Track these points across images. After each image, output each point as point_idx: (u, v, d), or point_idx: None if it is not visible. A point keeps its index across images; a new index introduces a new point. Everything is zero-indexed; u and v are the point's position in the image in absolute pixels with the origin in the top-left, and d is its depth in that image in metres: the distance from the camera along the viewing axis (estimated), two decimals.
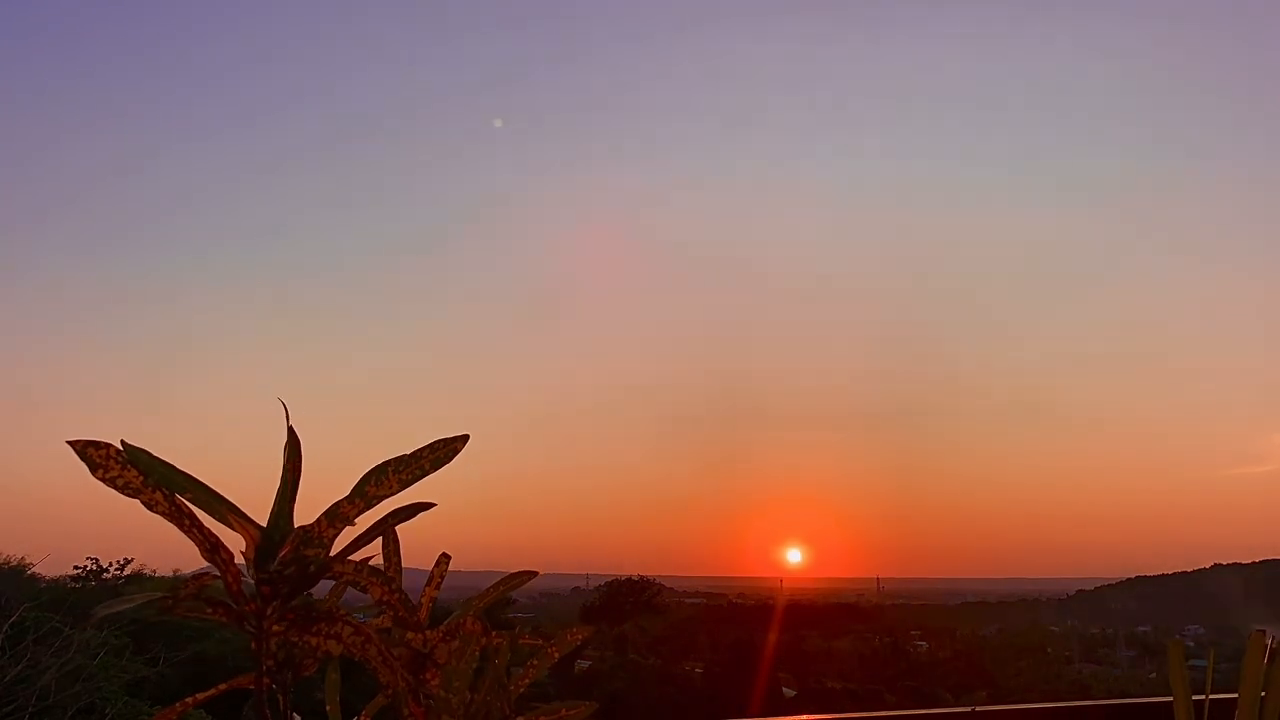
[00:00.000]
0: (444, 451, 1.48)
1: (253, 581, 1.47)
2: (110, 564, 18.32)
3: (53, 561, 19.20)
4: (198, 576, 1.44)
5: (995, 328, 73.98)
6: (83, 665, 10.95)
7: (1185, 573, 62.90)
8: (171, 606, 1.47)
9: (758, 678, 30.52)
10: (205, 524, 1.45)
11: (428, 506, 1.47)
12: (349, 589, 1.67)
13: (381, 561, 1.90)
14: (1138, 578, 66.73)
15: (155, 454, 1.42)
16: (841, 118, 62.98)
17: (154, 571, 19.29)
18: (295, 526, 1.46)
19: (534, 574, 1.94)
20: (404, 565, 1.92)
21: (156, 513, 1.40)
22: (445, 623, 1.80)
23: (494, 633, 1.78)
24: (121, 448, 1.39)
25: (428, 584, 1.93)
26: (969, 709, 3.40)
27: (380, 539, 1.90)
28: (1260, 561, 59.86)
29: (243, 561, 1.49)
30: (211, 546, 1.44)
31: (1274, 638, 2.28)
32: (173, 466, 1.43)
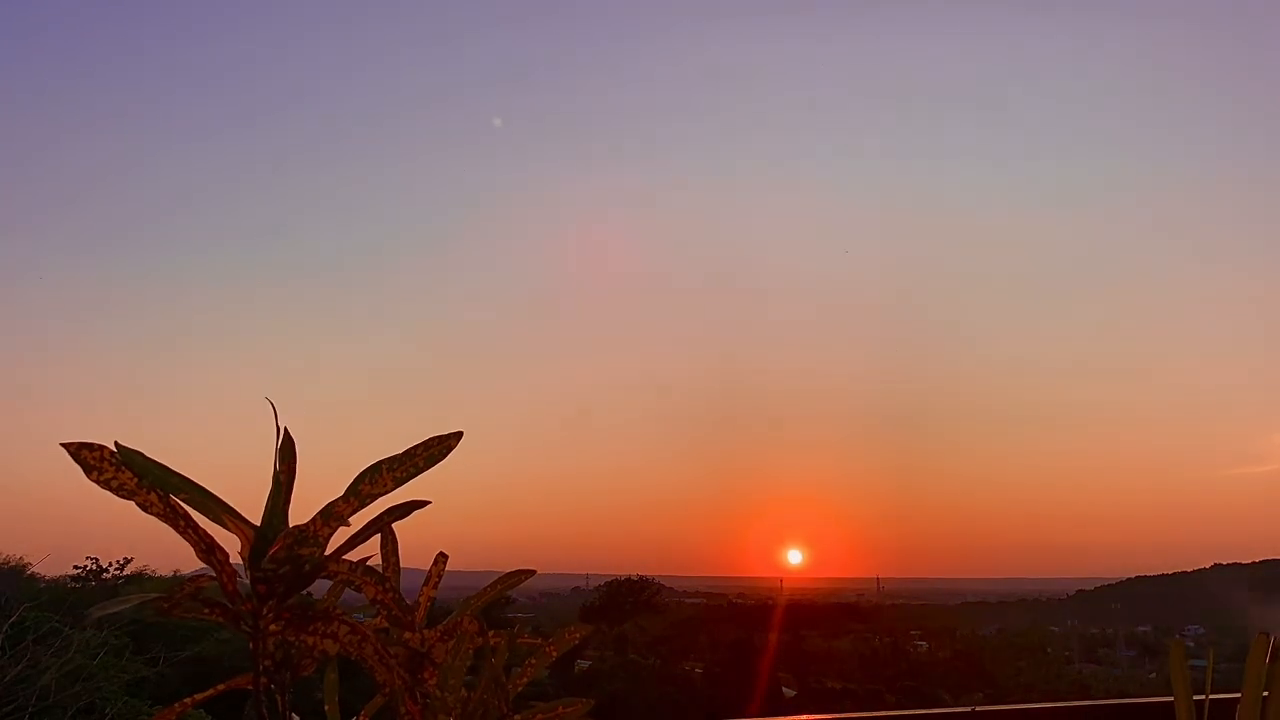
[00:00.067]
0: (438, 449, 1.48)
1: (249, 581, 1.47)
2: (110, 564, 18.37)
3: (53, 561, 19.23)
4: (195, 577, 1.44)
5: (996, 328, 74.08)
6: (83, 665, 10.97)
7: (1185, 573, 62.97)
8: (168, 607, 1.47)
9: (758, 678, 30.55)
10: (200, 525, 1.45)
11: (423, 504, 1.47)
12: (349, 589, 1.67)
13: (380, 561, 1.90)
14: (1138, 578, 66.80)
15: (149, 455, 1.42)
16: (842, 118, 63.01)
17: (154, 572, 19.32)
18: (290, 526, 1.46)
19: (531, 573, 1.94)
20: (405, 565, 1.92)
21: (151, 514, 1.40)
22: (443, 622, 1.80)
23: (491, 632, 1.78)
24: (115, 449, 1.39)
25: (425, 583, 1.93)
26: (969, 709, 3.40)
27: (378, 538, 1.90)
28: (1260, 561, 59.94)
29: (239, 562, 1.49)
30: (207, 547, 1.44)
31: (1275, 638, 2.28)
32: (167, 468, 1.43)
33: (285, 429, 1.47)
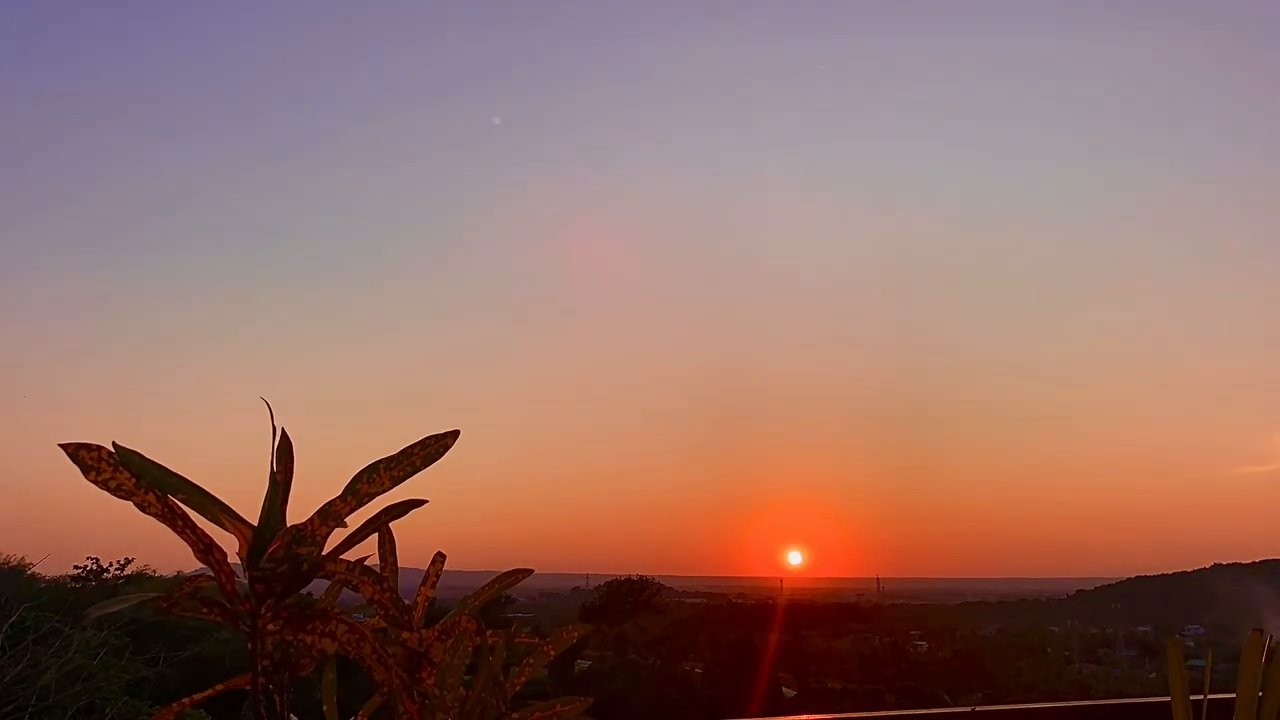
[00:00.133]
0: (435, 448, 1.48)
1: (247, 581, 1.47)
2: (110, 564, 18.36)
3: (53, 561, 19.23)
4: (193, 577, 1.44)
5: (996, 328, 74.08)
6: (83, 665, 10.97)
7: (1185, 573, 62.95)
8: (167, 607, 1.47)
9: (758, 678, 30.53)
10: (198, 525, 1.45)
11: (420, 503, 1.47)
12: (347, 589, 1.67)
13: (377, 561, 1.90)
14: (1138, 578, 66.78)
15: (147, 455, 1.42)
16: (843, 118, 63.01)
17: (155, 572, 19.30)
18: (288, 525, 1.46)
19: (529, 572, 1.94)
20: (406, 565, 1.92)
21: (149, 514, 1.41)
22: (441, 621, 1.80)
23: (489, 631, 1.78)
24: (113, 450, 1.39)
25: (423, 583, 1.94)
26: (969, 709, 3.41)
27: (376, 538, 1.90)
28: (1260, 561, 59.91)
29: (237, 561, 1.49)
30: (205, 547, 1.44)
31: (1271, 637, 2.28)
32: (165, 468, 1.43)
33: (282, 429, 1.47)
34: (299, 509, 1.52)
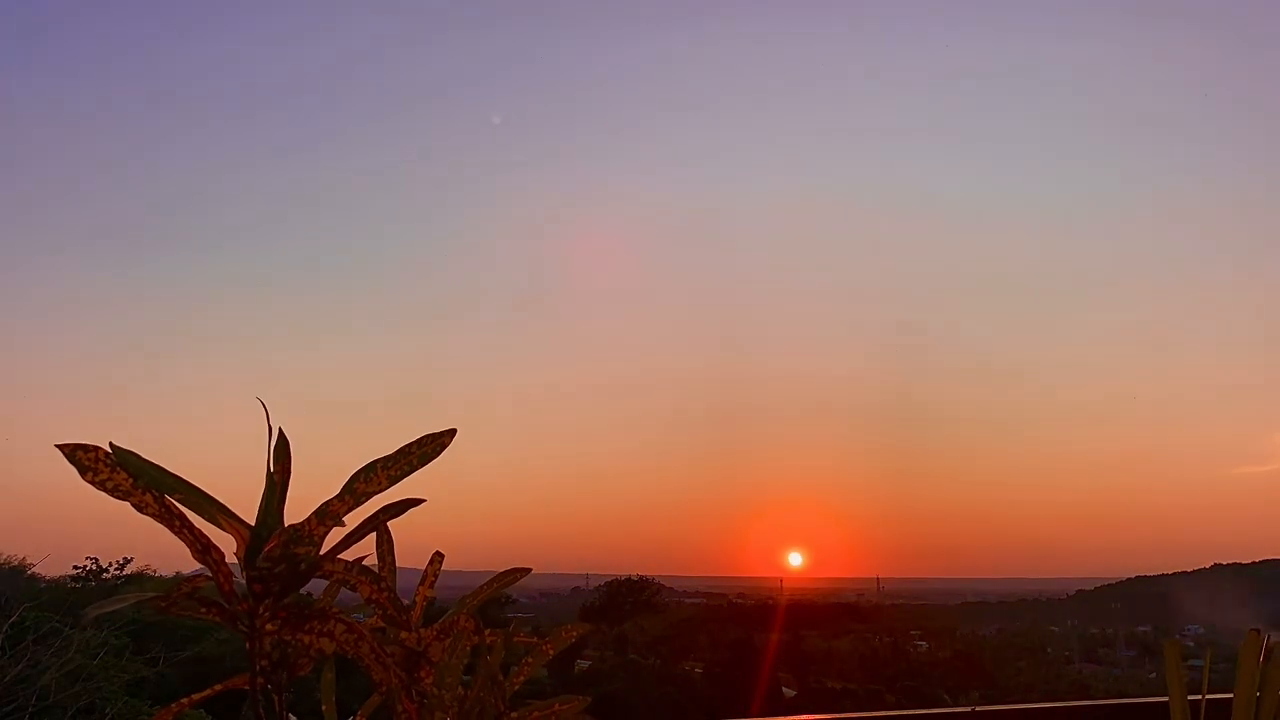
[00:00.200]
0: (432, 446, 1.48)
1: (244, 581, 1.47)
2: (110, 564, 18.37)
3: (53, 561, 19.25)
4: (191, 577, 1.44)
5: (995, 327, 74.07)
6: (83, 665, 10.98)
7: (1185, 573, 62.95)
8: (165, 607, 1.47)
9: (758, 678, 30.55)
10: (196, 525, 1.45)
11: (418, 503, 1.48)
12: (344, 590, 1.67)
13: (375, 560, 1.91)
14: (1138, 578, 66.75)
15: (144, 456, 1.42)
16: (843, 117, 63.01)
17: (155, 572, 19.32)
18: (285, 525, 1.47)
19: (527, 571, 1.94)
20: (403, 565, 1.92)
21: (146, 514, 1.41)
22: (439, 621, 1.80)
23: (488, 630, 1.79)
24: (110, 450, 1.39)
25: (421, 582, 1.94)
26: (969, 709, 3.41)
27: (374, 537, 1.90)
28: (1260, 561, 59.98)
29: (234, 561, 1.49)
30: (203, 547, 1.44)
31: (1269, 637, 2.28)
32: (162, 468, 1.44)
33: (280, 428, 1.47)
34: (296, 509, 1.52)
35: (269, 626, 1.48)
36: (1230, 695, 2.29)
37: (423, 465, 1.48)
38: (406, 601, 1.87)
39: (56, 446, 1.36)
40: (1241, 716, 2.22)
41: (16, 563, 17.69)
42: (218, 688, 1.71)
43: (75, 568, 18.15)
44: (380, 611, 1.52)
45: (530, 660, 1.94)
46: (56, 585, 17.62)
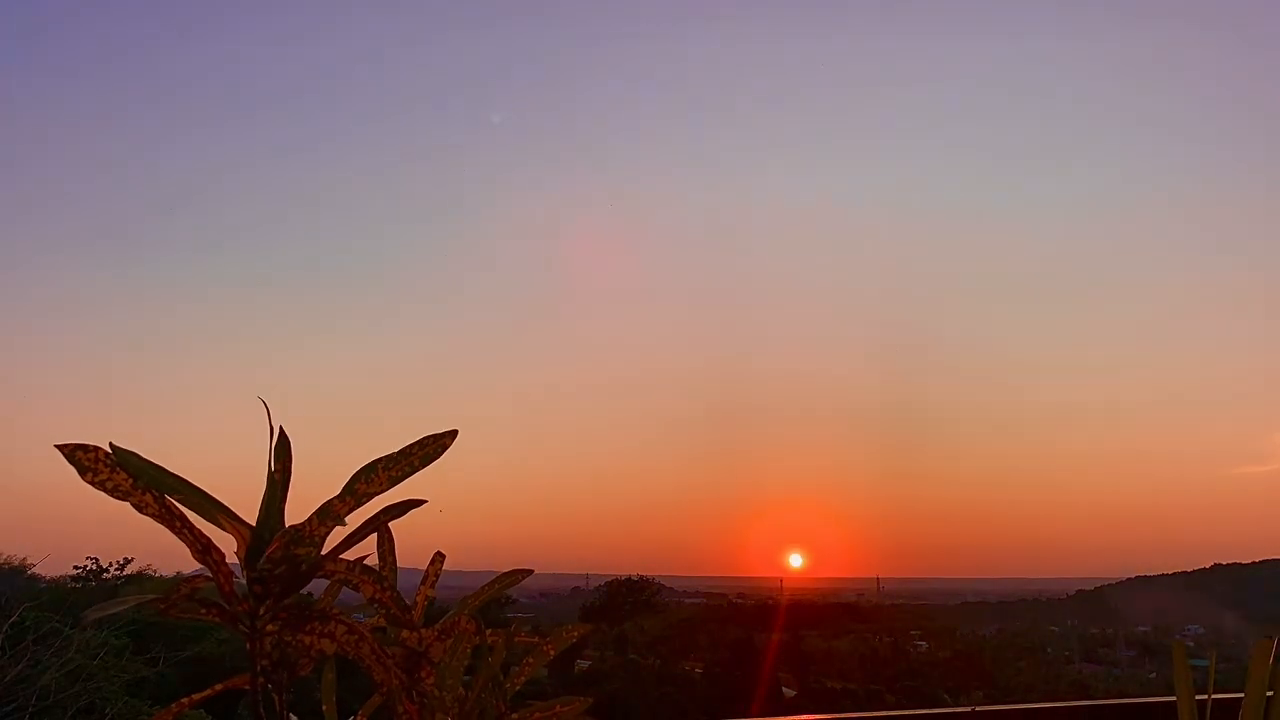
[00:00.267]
0: (433, 447, 1.48)
1: (245, 581, 1.46)
2: (110, 564, 18.34)
3: (53, 561, 19.23)
4: (192, 578, 1.43)
5: (995, 328, 74.07)
6: (83, 665, 10.97)
7: (1185, 573, 62.99)
8: (165, 608, 1.46)
9: (758, 678, 30.55)
10: (196, 525, 1.44)
11: (419, 503, 1.47)
12: (345, 590, 1.66)
13: (376, 560, 1.90)
14: (1138, 578, 66.76)
15: (144, 456, 1.41)
16: (842, 117, 63.00)
17: (156, 572, 19.30)
18: (286, 525, 1.46)
19: (529, 572, 1.93)
20: (404, 565, 1.92)
21: (146, 515, 1.40)
22: (440, 621, 1.79)
23: (489, 631, 1.78)
24: (110, 450, 1.38)
25: (422, 582, 1.93)
26: (969, 709, 3.40)
27: (375, 538, 1.89)
28: (1260, 561, 60.00)
29: (235, 562, 1.48)
30: (203, 548, 1.43)
31: (1277, 640, 2.28)
32: (162, 468, 1.43)
33: (281, 428, 1.46)
34: (298, 509, 1.51)
35: (270, 627, 1.47)
36: (1233, 696, 2.28)
37: (424, 466, 1.48)
38: (407, 602, 1.86)
39: (56, 446, 1.35)
40: (1251, 717, 2.22)
41: (16, 563, 17.70)
42: (219, 687, 1.70)
43: (75, 568, 18.14)
44: (384, 611, 1.51)
45: (531, 661, 1.93)
46: (57, 585, 17.61)
